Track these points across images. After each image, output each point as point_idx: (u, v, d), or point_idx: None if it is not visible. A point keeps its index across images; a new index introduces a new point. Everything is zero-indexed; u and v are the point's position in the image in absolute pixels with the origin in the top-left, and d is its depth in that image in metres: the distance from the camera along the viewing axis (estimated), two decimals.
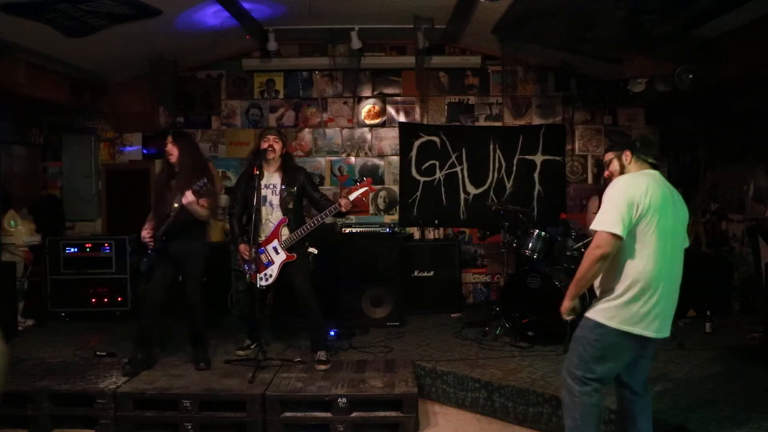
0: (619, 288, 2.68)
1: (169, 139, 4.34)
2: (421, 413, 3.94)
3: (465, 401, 4.13)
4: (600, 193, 2.98)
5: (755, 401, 3.47)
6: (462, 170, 6.65)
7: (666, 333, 2.73)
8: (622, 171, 2.89)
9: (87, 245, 5.84)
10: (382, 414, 3.76)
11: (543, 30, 5.12)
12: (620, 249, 2.66)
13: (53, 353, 4.72)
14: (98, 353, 4.58)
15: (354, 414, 3.73)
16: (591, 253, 2.65)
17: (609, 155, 2.98)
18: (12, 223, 5.61)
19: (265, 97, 6.76)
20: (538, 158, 6.62)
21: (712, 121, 6.08)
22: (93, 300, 5.80)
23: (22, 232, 5.67)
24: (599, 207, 2.75)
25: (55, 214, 6.46)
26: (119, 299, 5.85)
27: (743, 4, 3.84)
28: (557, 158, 6.60)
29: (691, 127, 6.35)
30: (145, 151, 6.74)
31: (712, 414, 3.31)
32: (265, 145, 4.38)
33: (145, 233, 4.27)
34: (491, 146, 6.62)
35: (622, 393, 2.92)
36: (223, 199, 6.52)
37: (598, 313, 2.73)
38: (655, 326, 2.67)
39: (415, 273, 6.05)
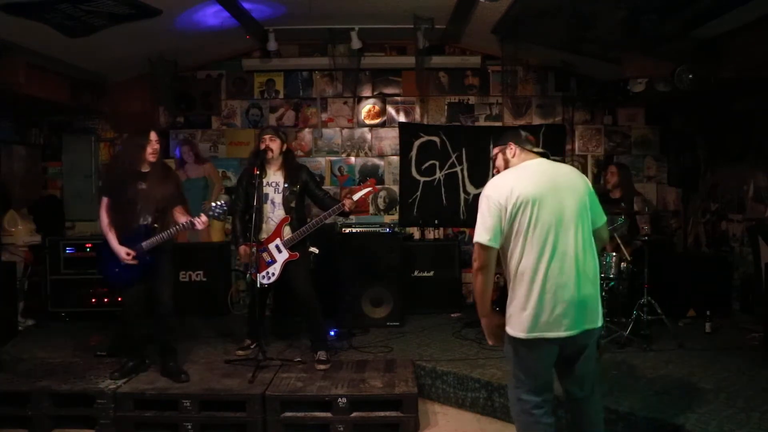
0: (512, 293, 2.61)
1: (153, 135, 3.94)
2: (421, 413, 3.94)
3: (465, 401, 4.13)
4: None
5: (755, 401, 3.47)
6: (462, 170, 6.64)
7: (572, 330, 2.52)
8: (507, 165, 2.80)
9: (87, 245, 5.83)
10: (382, 414, 3.76)
11: (543, 30, 5.12)
12: (506, 252, 2.61)
13: (53, 353, 4.72)
14: (98, 353, 4.58)
15: (354, 414, 3.74)
16: (473, 267, 2.66)
17: (494, 150, 2.90)
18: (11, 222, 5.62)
19: (265, 97, 6.76)
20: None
21: (712, 121, 6.08)
22: (93, 300, 5.79)
23: (22, 232, 5.67)
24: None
25: (55, 214, 6.46)
26: (119, 299, 5.83)
27: (743, 4, 3.84)
28: (557, 158, 6.58)
29: (691, 127, 6.35)
30: None
31: (712, 414, 3.30)
32: (262, 146, 4.38)
33: (126, 253, 3.88)
34: (491, 146, 6.59)
35: (567, 397, 2.81)
36: (223, 199, 6.53)
37: (508, 324, 2.65)
38: (558, 325, 2.51)
39: (415, 273, 6.04)
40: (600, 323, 2.64)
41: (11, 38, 4.68)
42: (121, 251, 3.90)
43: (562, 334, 2.53)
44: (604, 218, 2.76)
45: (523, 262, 2.56)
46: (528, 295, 2.55)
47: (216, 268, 6.14)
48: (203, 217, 3.92)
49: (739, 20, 4.16)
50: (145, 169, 3.98)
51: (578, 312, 2.55)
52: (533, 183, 2.60)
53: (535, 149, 2.80)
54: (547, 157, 2.81)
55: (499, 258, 2.66)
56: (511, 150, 2.80)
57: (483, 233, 2.59)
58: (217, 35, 5.77)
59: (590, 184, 2.75)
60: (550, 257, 2.53)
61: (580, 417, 2.76)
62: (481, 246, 2.59)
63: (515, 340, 2.61)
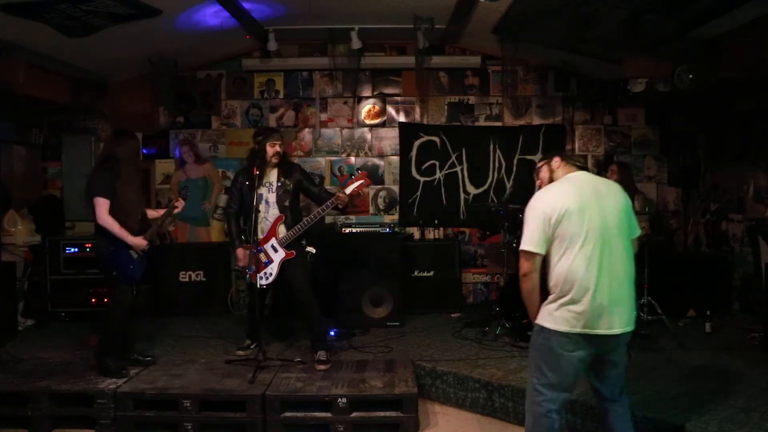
0: (556, 291, 2.73)
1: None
2: (421, 413, 3.94)
3: (465, 401, 4.13)
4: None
5: (755, 401, 3.47)
6: (462, 170, 6.64)
7: (611, 329, 2.66)
8: (551, 177, 2.98)
9: (87, 245, 5.82)
10: (382, 414, 3.77)
11: (543, 30, 5.12)
12: (552, 256, 2.75)
13: (53, 353, 4.72)
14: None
15: (354, 414, 3.74)
16: (519, 273, 2.83)
17: (539, 164, 3.10)
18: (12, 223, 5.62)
19: (265, 97, 6.76)
20: (538, 158, 6.59)
21: (712, 121, 6.08)
22: (93, 300, 5.79)
23: (22, 232, 5.67)
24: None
25: (55, 214, 6.45)
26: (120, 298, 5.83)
27: (743, 4, 3.84)
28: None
29: (691, 127, 6.35)
30: (145, 151, 6.73)
31: (712, 414, 3.30)
32: (272, 151, 4.37)
33: (143, 240, 4.13)
34: (491, 146, 6.62)
35: (597, 400, 2.93)
36: (222, 199, 6.53)
37: (541, 317, 2.79)
38: (598, 323, 2.64)
39: (415, 273, 6.04)
40: (633, 326, 2.77)
41: (11, 38, 4.68)
42: (141, 241, 4.12)
43: (601, 332, 2.66)
44: (638, 231, 2.88)
45: (568, 265, 2.68)
46: (574, 296, 2.67)
47: (216, 268, 6.15)
48: (180, 200, 4.30)
49: (738, 20, 4.16)
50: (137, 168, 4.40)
51: (617, 313, 2.68)
52: (577, 193, 2.76)
53: (578, 163, 2.98)
54: (588, 171, 2.98)
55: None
56: (556, 162, 2.98)
57: (529, 241, 2.76)
58: (217, 35, 5.77)
59: (628, 198, 2.88)
60: (597, 259, 2.67)
61: (610, 419, 2.87)
62: (528, 253, 2.76)
63: (552, 333, 2.71)
